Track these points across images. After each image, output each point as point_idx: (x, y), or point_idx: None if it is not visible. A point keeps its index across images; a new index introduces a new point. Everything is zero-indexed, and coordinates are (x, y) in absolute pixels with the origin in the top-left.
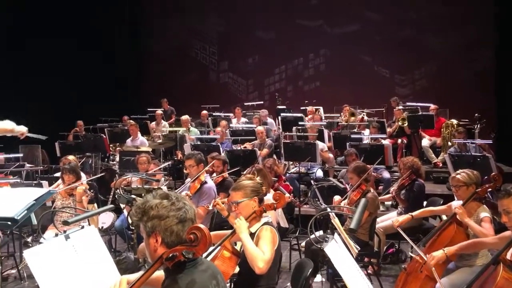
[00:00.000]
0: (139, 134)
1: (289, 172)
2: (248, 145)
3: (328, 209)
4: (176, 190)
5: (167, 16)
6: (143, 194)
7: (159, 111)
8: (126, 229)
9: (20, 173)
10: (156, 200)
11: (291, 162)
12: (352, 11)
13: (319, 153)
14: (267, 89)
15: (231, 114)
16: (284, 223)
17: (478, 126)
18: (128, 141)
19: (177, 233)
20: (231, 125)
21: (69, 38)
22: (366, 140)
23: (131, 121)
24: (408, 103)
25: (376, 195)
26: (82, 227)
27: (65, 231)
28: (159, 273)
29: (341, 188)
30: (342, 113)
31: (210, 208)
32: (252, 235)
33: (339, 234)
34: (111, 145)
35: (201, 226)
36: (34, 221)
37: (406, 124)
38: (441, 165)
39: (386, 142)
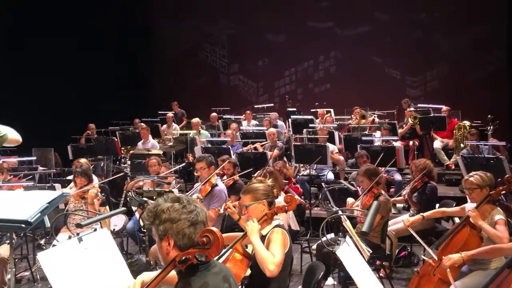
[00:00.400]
0: (150, 137)
1: (300, 174)
2: (258, 146)
3: (340, 212)
4: (187, 193)
5: (178, 20)
6: (154, 197)
7: (170, 114)
8: (137, 231)
9: (33, 176)
10: (168, 203)
11: (302, 165)
12: (362, 13)
13: (330, 155)
14: (277, 92)
15: (242, 117)
16: (295, 226)
17: (491, 127)
18: (139, 144)
19: (189, 236)
20: (241, 127)
21: (80, 39)
22: (377, 142)
23: (142, 124)
24: (419, 105)
25: (388, 198)
26: (95, 229)
27: (78, 234)
28: (173, 273)
29: (352, 191)
30: (352, 115)
31: (221, 211)
32: (263, 237)
33: (350, 237)
34: (122, 148)
35: (214, 229)
36: (47, 224)
37: (417, 122)
38: (453, 167)
39: (398, 144)
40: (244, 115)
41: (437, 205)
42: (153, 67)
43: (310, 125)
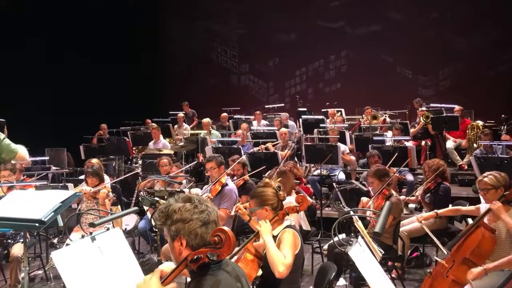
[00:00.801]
0: (161, 137)
1: (311, 174)
2: (270, 146)
3: (352, 212)
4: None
5: (189, 20)
6: (165, 196)
7: (181, 114)
8: (149, 231)
9: (46, 176)
10: (179, 203)
11: (313, 165)
12: (373, 12)
13: (341, 155)
14: (288, 92)
15: (252, 117)
16: (306, 226)
17: (505, 127)
18: (151, 144)
19: (201, 235)
20: (252, 127)
21: (93, 39)
22: (389, 142)
23: (153, 124)
24: (432, 104)
25: (400, 198)
26: (108, 229)
27: (91, 233)
28: None
29: (364, 191)
30: (364, 115)
31: (232, 213)
32: (274, 238)
33: (362, 238)
34: (134, 148)
35: (226, 228)
36: (60, 223)
37: (429, 122)
38: (466, 167)
39: (410, 144)
40: (254, 115)
41: (450, 205)
42: (164, 68)
43: (321, 125)
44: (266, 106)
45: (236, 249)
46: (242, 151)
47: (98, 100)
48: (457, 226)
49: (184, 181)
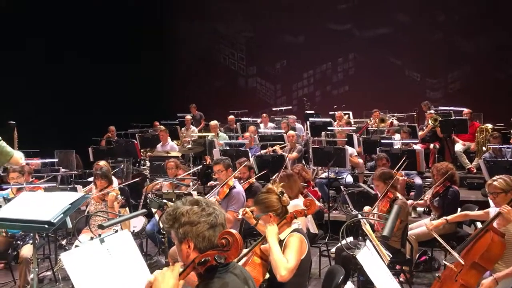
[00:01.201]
0: (169, 139)
1: (318, 177)
2: (277, 148)
3: (359, 216)
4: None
5: (196, 22)
6: (173, 199)
7: (188, 117)
8: (157, 233)
9: (55, 178)
10: (187, 206)
11: (320, 167)
12: (381, 14)
13: (349, 158)
14: (295, 94)
15: (260, 119)
16: (313, 229)
17: None
18: (158, 146)
19: (209, 238)
20: (259, 130)
21: (100, 40)
22: (397, 145)
23: (161, 126)
24: (440, 107)
25: (406, 201)
26: (116, 231)
27: (100, 235)
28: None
29: (372, 194)
30: (371, 118)
31: (240, 217)
32: (280, 242)
33: (370, 241)
34: (142, 150)
35: (233, 231)
36: (69, 225)
37: (438, 124)
38: (475, 171)
39: (418, 147)
40: (261, 118)
41: (459, 209)
42: (172, 70)
43: (329, 127)
44: (273, 109)
45: (244, 252)
46: (250, 154)
47: (106, 103)
48: (466, 230)
49: (191, 183)
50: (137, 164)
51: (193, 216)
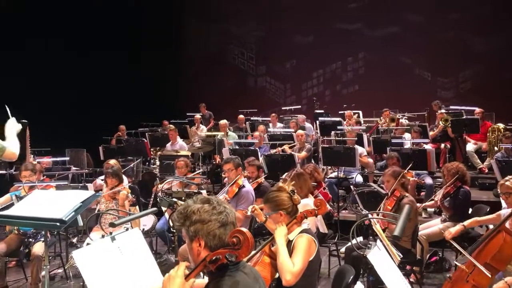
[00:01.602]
0: (178, 138)
1: (328, 177)
2: (286, 148)
3: (370, 216)
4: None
5: (206, 22)
6: (183, 197)
7: (198, 116)
8: (167, 231)
9: (66, 176)
10: (198, 204)
11: (330, 167)
12: (392, 13)
13: (358, 158)
14: (305, 93)
15: (269, 119)
16: (323, 229)
17: None
18: (168, 145)
19: (220, 236)
20: (269, 129)
21: (110, 41)
22: (407, 144)
23: (171, 125)
24: (451, 107)
25: (413, 200)
26: (127, 229)
27: (111, 233)
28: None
29: (383, 194)
30: (381, 117)
31: (248, 214)
32: (289, 242)
33: (381, 241)
34: (151, 149)
35: (244, 229)
36: (80, 223)
37: (449, 125)
38: (486, 171)
39: (429, 146)
40: (270, 117)
41: (470, 209)
42: (181, 70)
43: (338, 127)
44: (283, 108)
45: (253, 252)
46: (259, 153)
47: (116, 102)
48: (477, 231)
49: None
50: (147, 163)
51: (204, 214)
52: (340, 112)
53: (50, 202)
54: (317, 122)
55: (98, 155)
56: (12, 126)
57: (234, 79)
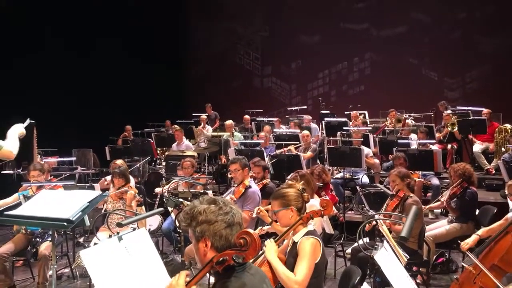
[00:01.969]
0: (184, 138)
1: (333, 177)
2: (292, 148)
3: (376, 217)
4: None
5: (212, 22)
6: (189, 198)
7: (203, 116)
8: (173, 231)
9: (73, 176)
10: (204, 205)
11: (335, 167)
12: (399, 13)
13: (364, 158)
14: (311, 94)
15: (275, 119)
16: (329, 229)
17: None
18: (174, 145)
19: (226, 237)
20: (274, 129)
21: (117, 41)
22: (413, 145)
23: (175, 126)
24: (458, 107)
25: (418, 200)
26: (134, 229)
27: (118, 233)
28: None
29: (389, 194)
30: (388, 118)
31: (254, 215)
32: (294, 244)
33: (387, 242)
34: (158, 149)
35: (251, 231)
36: (87, 223)
37: (456, 129)
38: (494, 171)
39: (435, 147)
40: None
41: (477, 211)
42: (187, 70)
43: (344, 127)
44: (288, 108)
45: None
46: (265, 153)
47: (123, 103)
48: None
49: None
50: (153, 163)
51: (211, 214)
52: (346, 112)
53: (57, 202)
54: (323, 122)
55: (105, 155)
56: (16, 129)
57: (240, 80)
